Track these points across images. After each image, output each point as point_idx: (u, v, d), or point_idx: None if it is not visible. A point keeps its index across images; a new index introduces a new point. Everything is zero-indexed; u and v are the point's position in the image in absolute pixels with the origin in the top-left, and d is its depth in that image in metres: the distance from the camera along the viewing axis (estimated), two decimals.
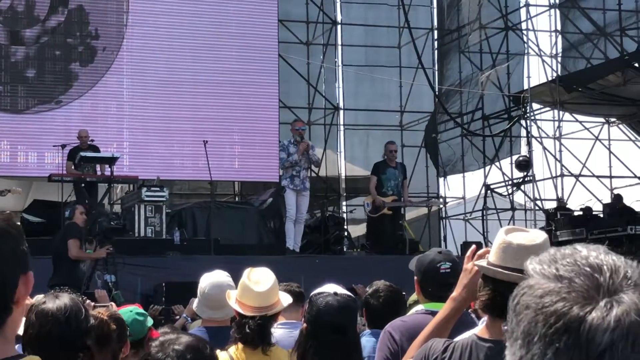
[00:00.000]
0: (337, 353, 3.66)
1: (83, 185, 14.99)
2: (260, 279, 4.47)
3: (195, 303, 5.22)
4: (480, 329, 3.20)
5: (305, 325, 3.82)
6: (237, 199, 20.99)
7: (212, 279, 5.05)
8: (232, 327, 4.59)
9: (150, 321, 5.52)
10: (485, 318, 3.22)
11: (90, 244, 12.87)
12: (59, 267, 11.89)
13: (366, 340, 5.05)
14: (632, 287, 1.33)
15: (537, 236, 3.15)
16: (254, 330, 4.34)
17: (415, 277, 4.60)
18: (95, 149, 15.50)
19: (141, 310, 5.05)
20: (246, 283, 4.45)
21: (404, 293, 6.58)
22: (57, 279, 11.16)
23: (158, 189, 15.23)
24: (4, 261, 1.87)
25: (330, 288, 3.86)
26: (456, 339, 3.22)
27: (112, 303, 6.42)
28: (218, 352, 4.39)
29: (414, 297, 5.21)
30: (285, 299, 4.56)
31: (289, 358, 4.30)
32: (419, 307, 4.60)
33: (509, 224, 20.11)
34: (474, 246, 3.49)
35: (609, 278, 1.33)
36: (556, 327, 1.30)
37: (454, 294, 3.43)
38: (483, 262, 3.15)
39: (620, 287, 1.32)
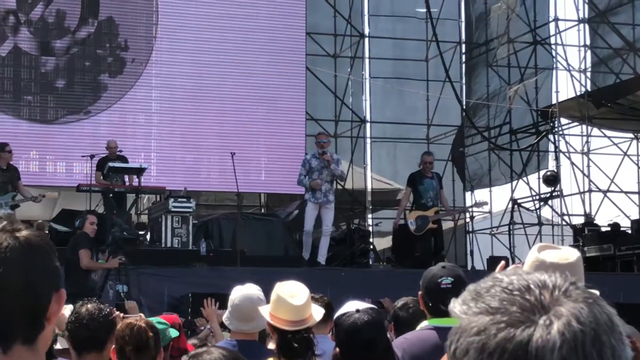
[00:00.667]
0: None
1: (111, 195, 15.06)
2: (294, 292, 4.45)
3: (225, 315, 5.23)
4: None
5: (337, 349, 3.81)
6: (263, 210, 21.00)
7: (243, 291, 5.06)
8: (269, 340, 4.58)
9: (174, 332, 5.55)
10: None
11: (103, 254, 12.90)
12: (70, 277, 11.88)
13: None
14: (564, 297, 1.25)
15: (570, 254, 3.13)
16: (302, 343, 4.31)
17: (419, 292, 4.59)
18: (124, 160, 15.58)
19: (162, 320, 5.09)
20: (281, 296, 4.44)
21: None
22: (69, 289, 11.15)
23: (185, 199, 15.27)
24: (39, 277, 1.86)
25: (352, 306, 3.85)
26: None
27: (142, 314, 6.47)
28: None
29: None
30: (318, 313, 4.54)
31: None
32: (424, 323, 4.59)
33: (535, 239, 20.07)
34: (502, 262, 3.48)
35: (539, 295, 1.25)
36: (506, 358, 1.20)
37: None
38: None
39: (554, 301, 1.25)
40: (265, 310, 4.51)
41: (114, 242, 12.94)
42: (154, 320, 5.20)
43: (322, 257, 15.29)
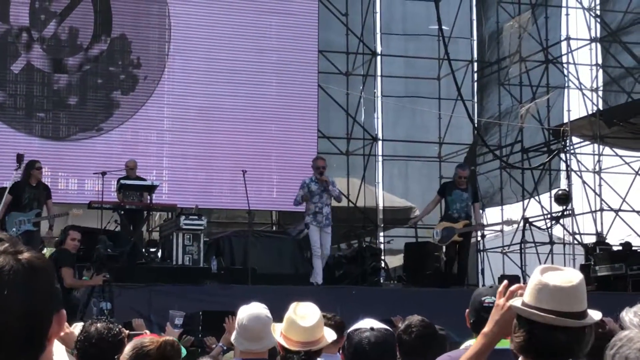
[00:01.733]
0: None
1: (122, 212, 15.09)
2: (306, 313, 4.48)
3: (232, 336, 5.22)
4: None
5: None
6: (274, 228, 21.01)
7: (250, 311, 5.05)
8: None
9: (183, 351, 5.55)
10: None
11: (88, 271, 12.83)
12: None
13: None
14: None
15: (573, 277, 3.13)
16: None
17: (467, 309, 4.61)
18: (139, 179, 15.63)
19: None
20: (292, 317, 4.46)
21: (440, 328, 6.54)
22: None
23: (196, 217, 15.29)
24: (41, 300, 1.88)
25: (367, 323, 3.87)
26: None
27: (147, 331, 6.47)
28: None
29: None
30: (330, 335, 4.56)
31: None
32: (468, 342, 4.60)
33: (547, 258, 20.02)
34: (505, 282, 3.48)
35: None
36: None
37: (486, 329, 3.42)
38: (517, 302, 3.14)
39: None
40: (277, 330, 4.53)
41: (98, 259, 12.87)
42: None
43: (319, 278, 15.18)
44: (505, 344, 3.64)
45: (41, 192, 14.61)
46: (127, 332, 5.19)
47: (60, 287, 11.97)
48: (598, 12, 22.50)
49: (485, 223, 18.40)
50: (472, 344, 4.45)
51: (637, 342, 1.32)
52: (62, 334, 5.03)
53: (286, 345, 4.41)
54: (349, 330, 3.91)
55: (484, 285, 17.61)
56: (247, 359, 5.02)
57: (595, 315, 3.12)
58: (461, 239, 15.81)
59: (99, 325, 4.75)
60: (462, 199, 15.74)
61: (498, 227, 20.15)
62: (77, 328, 5.50)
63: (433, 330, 5.45)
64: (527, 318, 3.06)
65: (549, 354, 3.02)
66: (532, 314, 3.03)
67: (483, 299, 4.42)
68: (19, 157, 14.40)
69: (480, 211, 16.39)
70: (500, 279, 17.44)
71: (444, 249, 16.65)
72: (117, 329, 4.76)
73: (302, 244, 16.88)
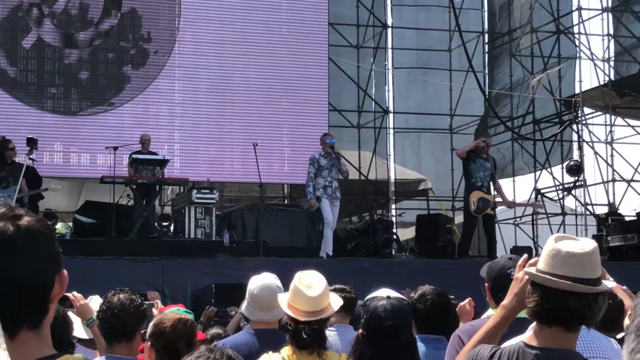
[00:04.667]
0: (393, 356, 3.67)
1: (135, 187, 15.12)
2: (312, 283, 4.49)
3: (243, 305, 5.25)
4: (527, 335, 3.20)
5: (360, 330, 3.84)
6: (286, 201, 21.04)
7: (261, 281, 5.08)
8: (283, 330, 4.61)
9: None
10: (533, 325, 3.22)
11: None
12: None
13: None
14: None
15: (587, 244, 3.14)
16: (311, 335, 4.37)
17: (486, 284, 4.60)
18: (151, 153, 15.65)
19: (185, 310, 5.12)
20: (298, 287, 4.47)
21: (452, 298, 6.55)
22: None
23: (208, 191, 15.33)
24: (42, 263, 1.89)
25: (384, 292, 3.88)
26: (503, 345, 3.22)
27: (158, 301, 6.52)
28: (270, 354, 4.45)
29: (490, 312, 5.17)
30: (336, 303, 4.58)
31: None
32: (490, 312, 4.62)
33: (559, 229, 20.01)
34: (525, 255, 3.49)
35: None
36: None
37: (505, 302, 3.43)
38: (532, 269, 3.15)
39: None
40: (283, 300, 4.55)
41: None
42: (175, 309, 5.24)
43: (330, 248, 15.17)
44: (525, 314, 3.65)
45: (17, 170, 14.51)
46: (159, 304, 5.23)
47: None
48: None
49: (516, 203, 18.38)
50: (491, 314, 4.48)
51: None
52: (78, 304, 5.08)
53: (293, 316, 4.43)
54: (366, 299, 3.93)
55: (496, 257, 17.66)
56: (258, 329, 5.05)
57: (609, 283, 3.14)
58: (493, 212, 15.71)
59: (121, 296, 4.78)
60: (484, 167, 15.58)
61: (524, 187, 20.17)
62: (92, 300, 5.54)
63: (447, 299, 5.46)
64: (541, 284, 3.07)
65: (560, 319, 3.04)
66: (545, 279, 3.05)
67: (509, 272, 4.41)
68: (30, 141, 14.36)
69: (501, 186, 16.23)
70: (513, 251, 17.47)
71: (455, 222, 16.62)
72: (139, 300, 4.79)
73: (313, 217, 16.91)
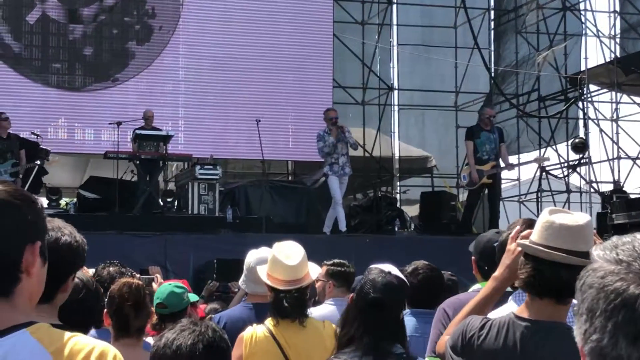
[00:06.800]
0: (377, 326, 3.68)
1: (138, 162, 15.13)
2: (290, 252, 4.54)
3: (241, 278, 5.28)
4: (518, 307, 3.20)
5: (352, 294, 3.87)
6: (290, 178, 21.04)
7: (258, 254, 5.13)
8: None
9: (193, 296, 5.59)
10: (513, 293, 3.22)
11: None
12: None
13: (407, 320, 5.06)
14: None
15: (581, 218, 3.14)
16: (292, 304, 4.41)
17: (473, 257, 4.61)
18: (155, 129, 15.65)
19: (181, 284, 5.12)
20: (276, 257, 4.54)
21: (451, 274, 6.55)
22: None
23: (211, 167, 15.34)
24: (5, 233, 1.89)
25: (386, 267, 3.89)
26: (493, 317, 3.23)
27: (158, 275, 6.53)
28: (255, 326, 4.49)
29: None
30: (315, 271, 4.63)
31: (325, 329, 4.40)
32: (476, 286, 4.63)
33: (564, 206, 19.92)
34: (517, 227, 3.49)
35: None
36: (615, 304, 1.48)
37: (496, 273, 3.44)
38: (525, 241, 3.15)
39: None
40: (262, 270, 4.59)
41: None
42: (172, 285, 5.25)
43: (343, 225, 15.22)
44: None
45: (13, 143, 14.55)
46: (137, 275, 5.23)
47: None
48: None
49: (513, 164, 17.98)
50: (480, 288, 4.48)
51: (600, 271, 1.49)
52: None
53: (272, 285, 4.49)
54: (369, 267, 3.95)
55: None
56: (255, 303, 5.08)
57: None
58: (490, 181, 15.58)
59: (111, 269, 4.78)
60: (490, 139, 15.46)
61: (529, 165, 19.86)
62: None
63: (439, 274, 5.46)
64: (533, 255, 3.07)
65: (552, 291, 3.04)
66: (538, 251, 3.05)
67: (495, 245, 4.42)
68: (41, 151, 14.47)
69: (507, 153, 16.12)
70: None
71: (460, 198, 16.57)
72: (130, 273, 4.79)
73: (317, 194, 16.92)
